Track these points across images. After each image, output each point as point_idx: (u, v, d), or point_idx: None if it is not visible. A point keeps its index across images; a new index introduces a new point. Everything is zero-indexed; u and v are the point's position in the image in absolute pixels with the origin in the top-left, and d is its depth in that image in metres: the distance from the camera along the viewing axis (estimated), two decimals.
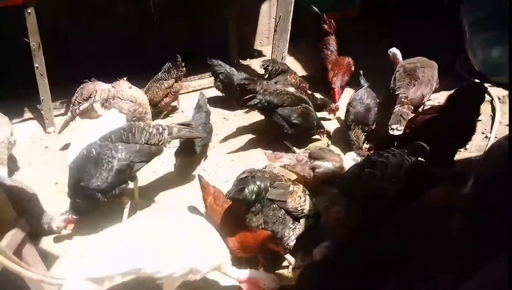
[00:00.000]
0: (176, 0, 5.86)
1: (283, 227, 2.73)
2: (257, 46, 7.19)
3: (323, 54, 4.99)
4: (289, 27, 4.96)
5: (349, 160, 3.50)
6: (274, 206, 2.73)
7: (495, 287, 2.19)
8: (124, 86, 3.90)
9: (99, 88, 3.95)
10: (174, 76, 4.72)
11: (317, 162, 3.42)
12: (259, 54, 6.86)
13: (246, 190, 2.67)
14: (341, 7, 7.75)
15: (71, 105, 4.10)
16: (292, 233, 2.78)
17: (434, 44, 5.33)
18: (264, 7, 6.99)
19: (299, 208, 2.75)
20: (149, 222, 2.43)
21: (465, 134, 3.09)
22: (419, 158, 2.83)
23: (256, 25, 7.06)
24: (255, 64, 6.40)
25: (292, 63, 5.93)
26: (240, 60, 6.57)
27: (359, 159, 3.56)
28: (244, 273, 2.54)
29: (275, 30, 4.96)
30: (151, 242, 2.21)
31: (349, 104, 3.91)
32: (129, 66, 5.07)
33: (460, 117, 2.98)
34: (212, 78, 5.42)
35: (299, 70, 5.68)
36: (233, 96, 4.75)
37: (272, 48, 5.04)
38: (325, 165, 3.40)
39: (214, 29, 6.60)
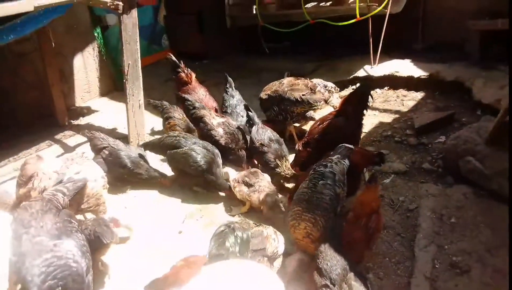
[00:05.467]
0: None
1: None
2: (79, 102, 6.53)
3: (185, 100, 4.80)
4: (140, 74, 4.76)
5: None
6: (259, 257, 2.62)
7: None
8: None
9: (41, 171, 3.11)
10: None
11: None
12: (89, 110, 6.25)
13: (227, 243, 2.52)
14: (151, 51, 7.96)
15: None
16: None
17: None
18: (77, 62, 6.42)
19: (275, 251, 2.72)
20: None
21: (360, 126, 3.76)
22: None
23: (72, 80, 6.41)
24: (96, 121, 5.82)
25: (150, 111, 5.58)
26: (72, 121, 5.83)
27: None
28: None
29: (126, 79, 4.66)
30: None
31: (261, 145, 3.78)
32: None
33: (355, 113, 3.65)
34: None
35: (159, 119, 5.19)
36: (118, 178, 3.99)
37: (127, 98, 4.70)
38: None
39: (29, 92, 5.69)
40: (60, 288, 2.18)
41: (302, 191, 2.92)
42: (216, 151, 3.87)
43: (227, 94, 4.62)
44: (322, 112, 4.49)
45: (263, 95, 4.46)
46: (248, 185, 3.50)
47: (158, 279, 2.60)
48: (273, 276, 2.26)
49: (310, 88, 4.26)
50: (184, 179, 3.92)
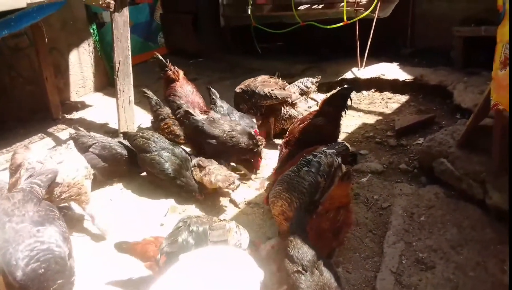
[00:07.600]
0: None
1: None
2: (74, 97, 6.67)
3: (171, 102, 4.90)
4: (131, 71, 4.88)
5: None
6: None
7: None
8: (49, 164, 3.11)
9: (27, 160, 3.18)
10: None
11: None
12: (83, 105, 6.38)
13: (180, 239, 2.65)
14: (147, 48, 8.10)
15: None
16: None
17: None
18: (73, 57, 6.56)
19: (237, 243, 2.83)
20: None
21: (338, 126, 3.91)
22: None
23: (67, 76, 6.55)
24: (88, 115, 5.96)
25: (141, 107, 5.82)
26: (66, 115, 5.96)
27: None
28: None
29: (116, 76, 4.79)
30: None
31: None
32: None
33: (335, 114, 3.80)
34: None
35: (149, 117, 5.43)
36: (116, 173, 4.10)
37: (118, 94, 4.84)
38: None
39: (25, 87, 5.83)
40: (43, 270, 2.29)
41: (287, 173, 3.12)
42: (185, 155, 3.96)
43: (216, 105, 4.57)
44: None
45: (237, 89, 4.71)
46: (201, 167, 3.70)
47: (127, 242, 2.76)
48: (250, 260, 2.39)
49: (280, 86, 4.56)
50: (156, 181, 4.02)
